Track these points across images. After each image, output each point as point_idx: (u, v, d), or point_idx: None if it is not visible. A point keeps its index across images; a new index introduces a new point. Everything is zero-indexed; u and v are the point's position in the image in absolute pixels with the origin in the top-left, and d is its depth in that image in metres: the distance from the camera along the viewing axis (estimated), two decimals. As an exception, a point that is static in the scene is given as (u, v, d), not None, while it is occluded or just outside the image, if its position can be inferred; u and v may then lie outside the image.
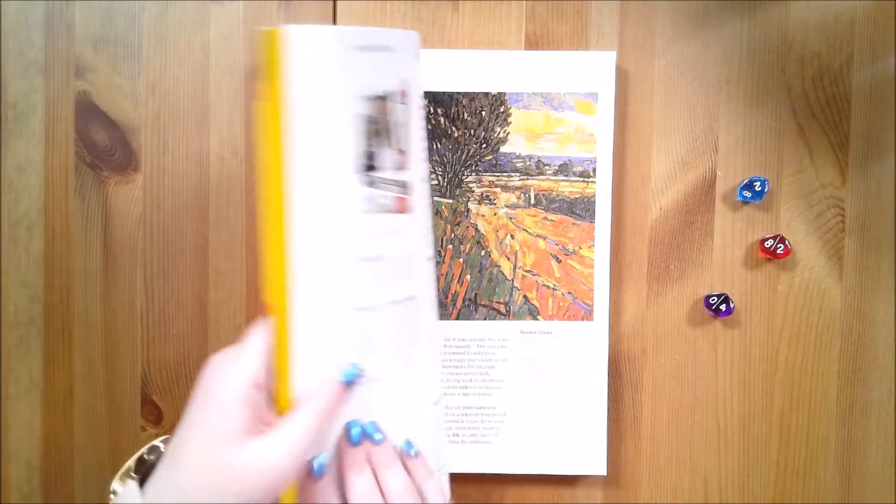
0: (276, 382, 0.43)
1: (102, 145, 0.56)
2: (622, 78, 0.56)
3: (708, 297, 0.57)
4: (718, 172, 0.57)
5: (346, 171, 0.42)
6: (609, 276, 0.56)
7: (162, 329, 0.57)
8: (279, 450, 0.39)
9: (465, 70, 0.55)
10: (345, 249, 0.43)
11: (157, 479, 0.40)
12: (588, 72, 0.55)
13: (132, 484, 0.42)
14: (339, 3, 0.56)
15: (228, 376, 0.40)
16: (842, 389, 0.58)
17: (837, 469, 0.58)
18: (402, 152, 0.45)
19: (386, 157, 0.44)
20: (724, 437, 0.58)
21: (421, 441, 0.45)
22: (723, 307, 0.56)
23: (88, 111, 0.55)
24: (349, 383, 0.42)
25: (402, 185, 0.45)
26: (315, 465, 0.42)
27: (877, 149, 0.57)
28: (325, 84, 0.42)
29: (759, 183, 0.56)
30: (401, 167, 0.45)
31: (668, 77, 0.57)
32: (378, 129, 0.43)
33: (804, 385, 0.58)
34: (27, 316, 0.56)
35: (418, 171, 0.46)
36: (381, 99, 0.43)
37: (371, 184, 0.43)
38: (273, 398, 0.43)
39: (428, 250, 0.47)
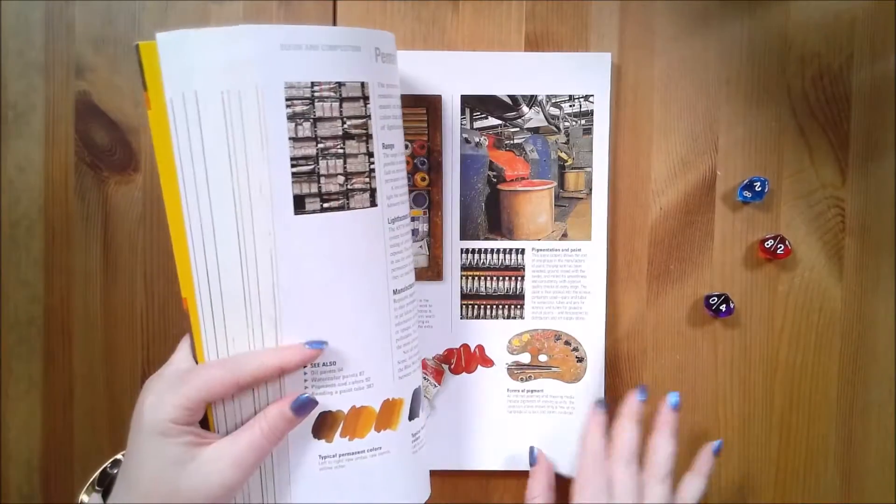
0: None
1: (102, 145, 0.56)
2: (622, 78, 0.56)
3: (708, 297, 0.57)
4: (718, 172, 0.57)
5: (242, 165, 0.42)
6: (608, 276, 0.56)
7: (162, 329, 0.57)
8: (222, 464, 0.41)
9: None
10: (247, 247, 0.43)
11: (114, 496, 0.43)
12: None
13: (96, 496, 0.46)
14: (339, 3, 0.56)
15: (158, 412, 0.41)
16: (842, 389, 0.58)
17: (837, 469, 0.58)
18: (332, 148, 0.44)
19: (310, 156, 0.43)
20: (724, 437, 0.58)
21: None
22: (723, 307, 0.56)
23: (88, 111, 0.55)
24: (299, 411, 0.43)
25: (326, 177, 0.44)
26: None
27: (877, 149, 0.57)
28: (206, 83, 0.42)
29: (759, 183, 0.56)
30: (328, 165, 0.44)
31: (668, 77, 0.57)
32: (304, 127, 0.43)
33: (804, 385, 0.58)
34: (27, 316, 0.56)
35: (364, 169, 0.45)
36: (308, 99, 0.43)
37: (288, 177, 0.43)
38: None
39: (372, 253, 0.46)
